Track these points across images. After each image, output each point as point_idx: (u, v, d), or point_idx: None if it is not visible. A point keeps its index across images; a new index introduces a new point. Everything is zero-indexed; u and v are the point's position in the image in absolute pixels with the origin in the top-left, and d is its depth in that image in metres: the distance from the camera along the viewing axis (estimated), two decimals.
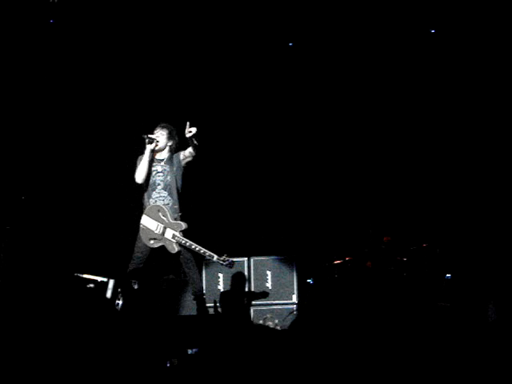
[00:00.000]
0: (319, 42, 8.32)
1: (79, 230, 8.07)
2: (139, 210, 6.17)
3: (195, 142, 5.97)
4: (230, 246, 7.76)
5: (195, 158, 6.19)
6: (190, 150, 6.11)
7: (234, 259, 7.53)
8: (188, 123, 5.91)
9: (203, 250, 6.03)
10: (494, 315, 5.58)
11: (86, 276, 5.94)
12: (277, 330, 6.06)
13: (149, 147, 6.01)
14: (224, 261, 6.18)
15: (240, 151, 8.57)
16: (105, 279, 5.86)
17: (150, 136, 6.04)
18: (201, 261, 6.87)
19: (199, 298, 6.18)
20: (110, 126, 8.27)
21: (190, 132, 5.90)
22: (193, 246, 5.99)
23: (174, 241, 5.98)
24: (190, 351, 5.36)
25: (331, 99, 8.54)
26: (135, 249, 6.06)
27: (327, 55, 8.38)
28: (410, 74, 8.34)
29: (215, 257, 6.11)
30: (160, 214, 6.03)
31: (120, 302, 5.82)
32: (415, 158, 8.37)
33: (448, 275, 7.32)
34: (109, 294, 5.75)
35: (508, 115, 7.95)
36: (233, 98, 8.54)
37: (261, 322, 7.21)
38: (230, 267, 6.40)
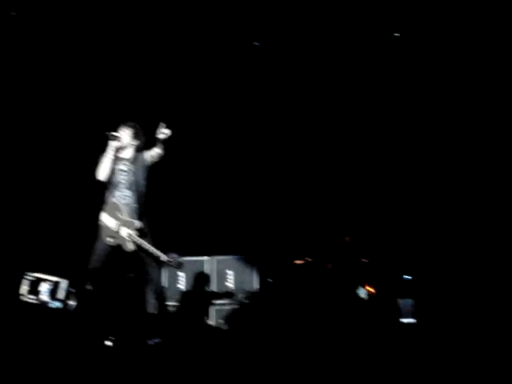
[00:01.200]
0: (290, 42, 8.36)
1: (34, 227, 7.95)
2: (99, 208, 6.11)
3: (162, 145, 5.95)
4: (192, 245, 7.76)
5: (161, 158, 6.14)
6: (157, 150, 6.05)
7: (196, 258, 7.56)
8: (162, 124, 5.87)
9: (152, 249, 5.99)
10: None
11: (38, 275, 5.87)
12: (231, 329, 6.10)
13: (112, 144, 5.96)
14: (172, 262, 6.13)
15: (203, 150, 8.56)
16: (58, 279, 5.79)
17: (113, 133, 5.98)
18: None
19: (159, 295, 6.15)
20: (73, 121, 8.18)
21: (163, 134, 5.87)
22: (143, 245, 5.96)
23: (129, 239, 5.95)
24: (150, 342, 5.36)
25: (301, 102, 8.59)
26: (95, 247, 6.00)
27: (294, 56, 8.43)
28: (384, 78, 8.43)
29: (163, 256, 6.06)
30: (117, 211, 6.00)
31: (73, 303, 5.77)
32: (376, 159, 8.46)
33: (407, 276, 7.41)
34: (61, 295, 5.69)
35: (478, 128, 8.09)
36: (202, 98, 8.53)
37: (220, 320, 7.22)
38: (178, 268, 6.36)
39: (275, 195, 8.52)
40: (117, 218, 5.98)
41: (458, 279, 7.19)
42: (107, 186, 6.06)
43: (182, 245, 7.68)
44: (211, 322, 7.26)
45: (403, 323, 6.32)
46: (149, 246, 5.95)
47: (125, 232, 5.96)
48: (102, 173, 5.99)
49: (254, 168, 8.59)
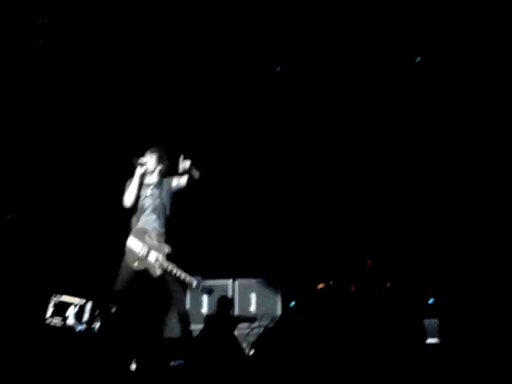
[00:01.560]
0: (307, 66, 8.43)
1: (60, 250, 8.04)
2: (124, 232, 6.16)
3: (195, 175, 5.99)
4: (215, 268, 7.79)
5: (188, 187, 6.18)
6: (184, 180, 6.09)
7: (219, 281, 7.58)
8: (182, 156, 5.91)
9: (184, 274, 6.01)
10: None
11: (64, 298, 5.92)
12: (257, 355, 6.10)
13: (138, 171, 6.02)
14: (203, 288, 6.17)
15: (225, 174, 8.62)
16: (83, 301, 5.83)
17: (138, 160, 6.05)
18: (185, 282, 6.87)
19: (184, 319, 6.16)
20: (98, 148, 8.28)
21: (184, 166, 5.90)
22: (174, 271, 5.97)
23: (157, 264, 5.97)
24: (173, 363, 5.38)
25: (309, 124, 8.65)
26: (120, 271, 6.04)
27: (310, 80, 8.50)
28: (395, 100, 8.45)
29: (195, 283, 6.08)
30: (146, 236, 6.03)
31: (97, 325, 5.80)
32: (397, 182, 8.46)
33: (431, 300, 7.36)
34: (86, 317, 5.73)
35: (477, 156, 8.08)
36: (224, 123, 8.64)
37: (244, 345, 7.20)
38: (209, 294, 6.39)
39: (298, 219, 8.53)
40: (145, 243, 6.01)
41: (482, 298, 7.14)
42: (133, 210, 6.11)
43: (204, 268, 7.72)
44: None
45: (428, 343, 6.29)
46: (179, 271, 5.97)
47: (153, 257, 5.99)
48: (129, 199, 6.04)
49: (278, 192, 8.62)
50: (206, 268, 7.78)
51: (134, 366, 5.23)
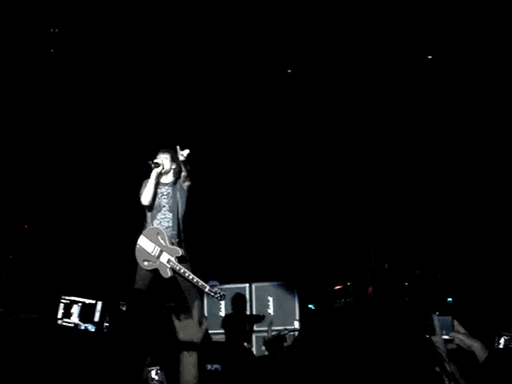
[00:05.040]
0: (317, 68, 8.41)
1: (71, 252, 8.08)
2: (136, 232, 6.12)
3: (188, 167, 5.98)
4: (232, 272, 7.78)
5: (191, 180, 6.17)
6: (183, 173, 6.09)
7: (236, 285, 7.56)
8: (178, 147, 5.90)
9: (196, 279, 5.90)
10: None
11: (73, 298, 5.90)
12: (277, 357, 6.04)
13: (155, 171, 6.02)
14: (215, 293, 6.08)
15: (242, 176, 8.62)
16: (93, 301, 5.80)
17: (155, 161, 6.05)
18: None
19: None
20: (108, 150, 8.33)
21: (182, 155, 5.89)
22: (186, 274, 5.88)
23: (169, 266, 5.91)
24: (209, 367, 5.28)
25: (323, 129, 8.64)
26: (137, 275, 5.99)
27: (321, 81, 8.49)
28: (408, 98, 8.43)
29: (207, 288, 6.00)
30: (159, 236, 5.98)
31: (107, 325, 5.75)
32: (416, 184, 8.42)
33: (449, 299, 7.30)
34: (97, 317, 5.68)
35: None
36: (229, 125, 8.65)
37: (263, 348, 7.18)
38: (221, 299, 6.30)
39: (315, 222, 8.51)
40: (158, 243, 5.96)
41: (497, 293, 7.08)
42: (148, 209, 6.08)
43: (221, 272, 7.71)
44: (253, 348, 7.23)
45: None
46: (191, 274, 5.90)
47: (165, 258, 5.93)
48: (147, 197, 6.00)
49: (295, 195, 8.61)
50: (223, 273, 7.77)
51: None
